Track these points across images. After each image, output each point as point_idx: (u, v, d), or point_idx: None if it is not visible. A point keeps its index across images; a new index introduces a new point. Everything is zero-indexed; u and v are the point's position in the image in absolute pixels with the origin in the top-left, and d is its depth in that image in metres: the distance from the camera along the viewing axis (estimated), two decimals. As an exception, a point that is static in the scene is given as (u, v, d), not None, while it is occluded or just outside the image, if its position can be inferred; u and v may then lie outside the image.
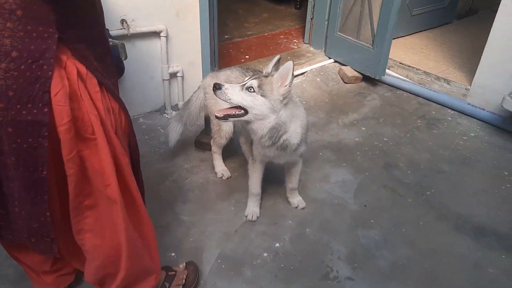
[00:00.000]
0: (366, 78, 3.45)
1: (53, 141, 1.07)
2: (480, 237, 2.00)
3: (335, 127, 2.90)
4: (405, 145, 2.70)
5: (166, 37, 2.56)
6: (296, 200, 2.16)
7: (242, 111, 1.61)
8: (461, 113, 3.03)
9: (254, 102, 1.58)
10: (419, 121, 2.96)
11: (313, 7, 3.71)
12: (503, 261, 1.88)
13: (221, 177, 2.34)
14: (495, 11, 2.80)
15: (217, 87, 1.57)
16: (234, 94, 1.58)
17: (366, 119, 2.97)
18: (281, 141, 1.73)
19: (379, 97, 3.28)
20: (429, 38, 4.06)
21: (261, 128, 1.65)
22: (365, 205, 2.19)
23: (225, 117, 1.63)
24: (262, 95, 1.59)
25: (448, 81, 3.24)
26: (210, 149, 2.52)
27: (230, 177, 2.35)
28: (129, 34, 2.42)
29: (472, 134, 2.81)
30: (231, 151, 2.53)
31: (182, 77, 2.77)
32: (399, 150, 2.64)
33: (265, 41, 4.03)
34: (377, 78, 3.34)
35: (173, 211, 2.11)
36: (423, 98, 3.22)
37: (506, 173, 2.44)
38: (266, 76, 1.65)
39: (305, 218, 2.10)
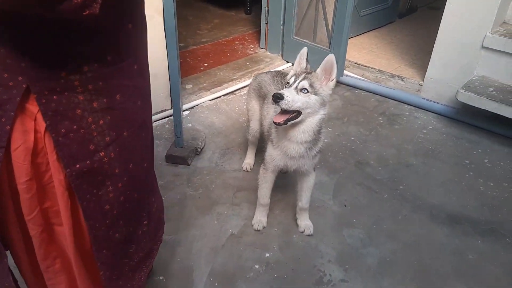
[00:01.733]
0: (325, 80, 3.52)
1: (15, 197, 0.98)
2: (455, 225, 2.11)
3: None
4: (371, 142, 2.79)
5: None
6: (304, 224, 2.04)
7: (296, 113, 1.60)
8: (417, 107, 3.19)
9: (309, 103, 1.58)
10: (380, 118, 3.08)
11: (267, 12, 3.74)
12: (479, 246, 1.99)
13: (245, 169, 2.45)
14: (433, 8, 2.98)
15: (279, 96, 1.53)
16: (296, 100, 1.55)
17: (331, 120, 3.04)
18: (318, 136, 1.73)
19: (339, 98, 3.36)
20: (377, 37, 4.24)
21: (311, 124, 1.65)
22: (345, 205, 2.23)
23: (285, 122, 1.60)
24: (315, 94, 1.59)
25: (402, 78, 3.40)
26: (182, 163, 2.45)
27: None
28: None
29: (430, 127, 2.97)
30: (205, 161, 2.47)
31: (146, 90, 2.65)
32: (367, 148, 2.72)
33: (221, 48, 3.99)
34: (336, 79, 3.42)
35: (154, 231, 2.01)
36: (380, 95, 3.35)
37: (467, 161, 2.60)
38: (310, 73, 1.63)
39: (290, 224, 2.09)
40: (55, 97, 0.87)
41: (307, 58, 1.70)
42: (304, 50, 1.71)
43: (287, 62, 3.74)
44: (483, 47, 2.84)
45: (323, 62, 1.60)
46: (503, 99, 2.63)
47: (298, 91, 1.57)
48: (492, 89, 2.76)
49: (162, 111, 2.87)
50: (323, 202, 2.24)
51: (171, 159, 2.46)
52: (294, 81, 1.60)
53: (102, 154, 1.01)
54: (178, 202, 2.20)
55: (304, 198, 2.00)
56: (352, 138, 2.83)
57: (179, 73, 2.89)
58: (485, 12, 2.77)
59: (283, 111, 1.60)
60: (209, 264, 1.86)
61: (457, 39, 2.93)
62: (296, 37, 3.59)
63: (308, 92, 1.57)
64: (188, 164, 2.47)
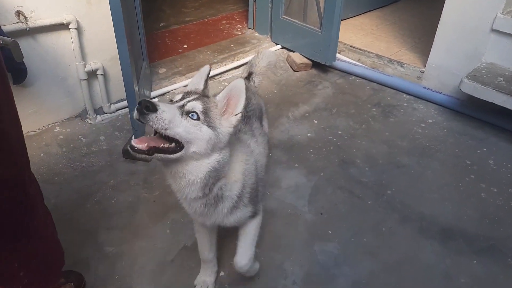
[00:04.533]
0: (316, 65, 3.18)
1: None
2: (448, 241, 1.80)
3: (285, 121, 2.61)
4: (360, 137, 2.46)
5: (77, 29, 2.14)
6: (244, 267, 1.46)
7: (173, 145, 1.07)
8: (417, 97, 2.84)
9: (196, 135, 1.08)
10: (374, 109, 2.74)
11: (255, -11, 3.38)
12: (474, 267, 1.68)
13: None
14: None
15: (150, 108, 1.00)
16: (175, 122, 1.04)
17: (318, 111, 2.71)
18: (214, 191, 1.20)
19: (331, 85, 3.02)
20: (379, 18, 3.85)
21: (196, 171, 1.12)
22: (321, 213, 1.93)
23: (150, 152, 1.05)
24: (208, 126, 1.10)
25: (401, 64, 3.04)
26: (141, 159, 2.17)
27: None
28: (28, 29, 1.99)
29: (430, 121, 2.62)
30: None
31: (103, 75, 2.36)
32: (354, 144, 2.40)
33: (205, 28, 3.65)
34: (327, 64, 3.08)
35: (95, 241, 1.75)
36: (377, 83, 3.00)
37: (468, 162, 2.26)
38: (207, 96, 1.18)
39: (254, 236, 1.80)
40: None
41: (207, 80, 1.24)
42: (206, 68, 1.25)
43: (276, 44, 3.39)
44: (492, 30, 2.47)
45: (228, 87, 1.15)
46: (514, 91, 2.27)
47: (184, 113, 1.07)
48: (501, 78, 2.39)
49: (125, 99, 2.57)
50: (296, 209, 1.95)
51: (128, 154, 2.18)
52: (182, 99, 1.14)
53: None
54: (128, 206, 1.93)
55: (239, 250, 1.42)
56: (340, 132, 2.51)
57: (144, 56, 2.59)
58: (497, -12, 2.39)
59: (154, 135, 1.09)
60: (152, 284, 1.59)
61: (463, 21, 2.56)
62: (286, 17, 3.23)
63: (197, 119, 1.08)
64: (148, 161, 2.18)
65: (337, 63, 3.12)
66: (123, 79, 1.98)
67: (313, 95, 2.90)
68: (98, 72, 2.33)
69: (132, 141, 1.06)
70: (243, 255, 1.41)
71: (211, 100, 1.15)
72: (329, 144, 2.40)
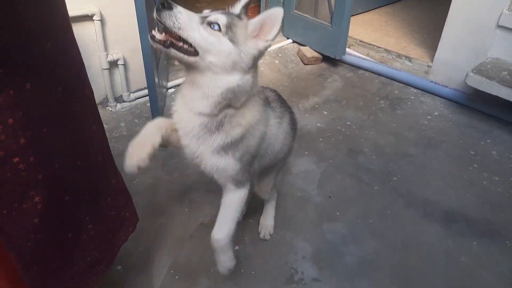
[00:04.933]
0: (326, 59, 3.28)
1: None
2: (450, 224, 1.90)
3: (296, 112, 2.66)
4: (368, 128, 2.56)
5: (101, 20, 2.27)
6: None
7: (188, 47, 1.06)
8: (424, 91, 2.93)
9: (214, 45, 1.05)
10: (382, 102, 2.84)
11: (268, -16, 3.48)
12: (474, 248, 1.78)
13: None
14: (454, -16, 2.69)
15: (165, 5, 1.00)
16: (191, 25, 1.04)
17: (328, 103, 2.82)
18: (220, 116, 1.17)
19: (340, 78, 3.12)
20: (389, 14, 3.94)
21: (213, 85, 1.10)
22: (329, 196, 2.04)
23: (166, 45, 1.04)
24: (230, 40, 1.07)
25: (409, 58, 3.13)
26: (162, 146, 2.29)
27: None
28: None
29: (436, 113, 2.72)
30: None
31: (124, 65, 2.49)
32: (363, 134, 2.51)
33: (219, 23, 3.76)
34: (337, 58, 3.18)
35: (118, 217, 1.87)
36: (385, 77, 3.09)
37: (472, 152, 2.36)
38: (240, 18, 1.14)
39: (266, 216, 1.92)
40: None
41: (246, 7, 1.21)
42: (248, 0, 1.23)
43: (287, 38, 3.49)
44: (498, 26, 2.55)
45: (266, 12, 1.11)
46: (518, 85, 2.36)
47: (205, 23, 1.06)
48: (506, 73, 2.48)
49: (144, 88, 2.70)
50: (306, 193, 2.06)
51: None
52: (208, 12, 1.13)
53: (16, 160, 0.86)
54: (149, 187, 2.06)
55: (217, 222, 1.42)
56: (348, 123, 2.61)
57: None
58: (504, -15, 2.47)
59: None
60: (172, 256, 1.72)
61: (469, 17, 2.65)
62: (297, 12, 3.34)
63: (219, 30, 1.06)
64: (166, 147, 2.30)
65: (347, 57, 3.22)
66: (144, 71, 2.11)
67: (323, 88, 3.00)
68: (119, 62, 2.46)
69: (153, 31, 1.06)
70: (220, 228, 1.39)
71: (242, 21, 1.13)
72: (338, 134, 2.51)
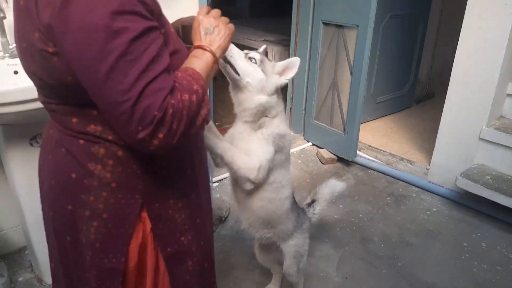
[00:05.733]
0: (341, 159, 3.92)
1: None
2: (445, 303, 2.34)
3: (326, 208, 3.27)
4: (377, 220, 3.09)
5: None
6: None
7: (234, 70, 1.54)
8: (424, 189, 3.49)
9: (251, 72, 1.52)
10: (388, 198, 3.39)
11: (292, 99, 4.28)
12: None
13: None
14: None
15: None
16: (239, 57, 1.51)
17: (343, 197, 3.38)
18: (259, 122, 1.60)
19: (353, 176, 3.73)
20: (393, 122, 4.65)
21: (249, 100, 1.56)
22: (346, 278, 2.52)
23: (226, 60, 1.49)
24: (262, 70, 1.55)
25: (410, 162, 3.74)
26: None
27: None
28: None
29: (434, 209, 3.24)
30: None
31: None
32: (372, 225, 3.03)
33: (250, 127, 4.51)
34: (350, 160, 3.82)
35: None
36: (391, 177, 3.68)
37: (465, 244, 2.84)
38: (269, 59, 1.66)
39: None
40: (157, 205, 1.19)
41: (265, 53, 1.73)
42: (263, 47, 1.75)
43: (308, 141, 4.19)
44: (480, 139, 3.17)
45: (289, 60, 1.62)
46: (498, 188, 2.91)
47: (247, 57, 1.55)
48: (489, 177, 3.05)
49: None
50: (327, 273, 2.54)
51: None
52: (248, 51, 1.62)
53: (183, 238, 1.26)
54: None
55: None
56: (360, 215, 3.15)
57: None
58: (480, 107, 3.12)
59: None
60: (222, 321, 2.18)
61: (456, 130, 3.29)
62: (316, 121, 4.07)
63: (255, 63, 1.55)
64: (213, 231, 2.86)
65: (358, 159, 3.86)
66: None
67: (339, 185, 3.59)
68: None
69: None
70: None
71: (270, 60, 1.63)
72: (352, 224, 3.04)
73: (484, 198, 2.98)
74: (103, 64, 0.83)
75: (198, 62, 1.06)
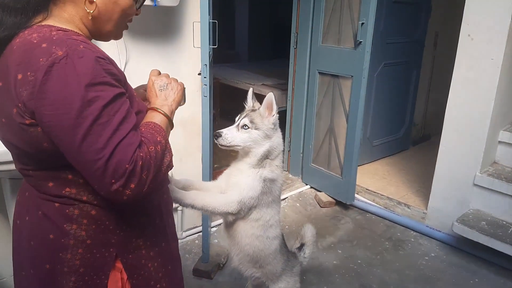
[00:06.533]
0: (339, 203, 3.97)
1: None
2: None
3: (315, 250, 3.29)
4: (376, 266, 3.10)
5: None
6: None
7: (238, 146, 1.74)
8: (422, 234, 3.51)
9: (250, 137, 1.71)
10: (387, 243, 3.41)
11: (290, 142, 4.38)
12: None
13: None
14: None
15: (217, 135, 1.69)
16: (234, 136, 1.70)
17: (342, 242, 3.40)
18: (263, 162, 1.76)
19: (351, 220, 3.76)
20: (390, 164, 4.74)
21: (257, 151, 1.73)
22: (345, 326, 2.51)
23: (231, 146, 1.71)
24: (255, 129, 1.72)
25: (408, 206, 3.79)
26: (206, 277, 2.86)
27: None
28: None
29: (432, 254, 3.26)
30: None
31: (182, 210, 3.20)
32: (371, 272, 3.03)
33: (249, 169, 4.59)
34: (348, 203, 3.86)
35: None
36: (389, 220, 3.72)
37: (463, 290, 2.84)
38: (254, 110, 1.80)
39: None
40: (130, 256, 1.27)
41: (253, 97, 1.89)
42: (250, 90, 1.91)
43: (306, 184, 4.25)
44: (474, 185, 3.24)
45: (264, 100, 1.76)
46: (493, 233, 2.94)
47: (239, 128, 1.72)
48: (484, 222, 3.09)
49: (194, 227, 3.36)
50: (326, 322, 2.54)
51: (197, 272, 2.88)
52: (237, 120, 1.78)
53: (158, 286, 1.38)
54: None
55: None
56: (359, 261, 3.16)
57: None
58: (473, 154, 3.21)
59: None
60: None
61: (452, 175, 3.36)
62: (314, 165, 4.15)
63: (248, 128, 1.71)
64: (211, 278, 2.87)
65: (356, 202, 3.91)
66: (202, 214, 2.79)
67: (337, 229, 3.62)
68: (179, 208, 3.18)
69: (220, 139, 1.72)
70: None
71: (256, 112, 1.78)
72: (351, 270, 3.04)
73: (480, 243, 3.01)
74: (80, 128, 0.95)
75: (156, 118, 1.21)
